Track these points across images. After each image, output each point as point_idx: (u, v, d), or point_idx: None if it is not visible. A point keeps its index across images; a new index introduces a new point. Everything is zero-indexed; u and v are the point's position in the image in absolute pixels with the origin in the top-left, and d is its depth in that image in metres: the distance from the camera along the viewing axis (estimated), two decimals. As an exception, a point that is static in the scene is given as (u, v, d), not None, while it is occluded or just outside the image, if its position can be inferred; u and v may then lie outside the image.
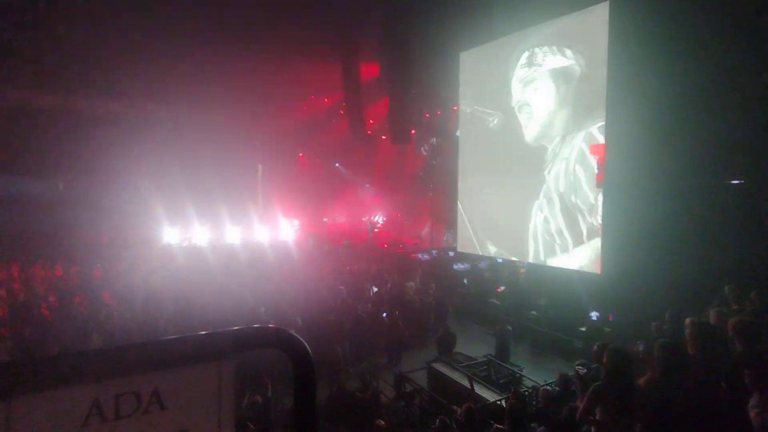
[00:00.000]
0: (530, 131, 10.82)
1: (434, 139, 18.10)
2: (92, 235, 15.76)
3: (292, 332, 0.96)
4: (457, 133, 14.46)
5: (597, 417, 2.92)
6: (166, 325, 8.29)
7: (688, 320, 3.62)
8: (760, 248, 7.49)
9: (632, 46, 8.51)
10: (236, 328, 0.90)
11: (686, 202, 8.17)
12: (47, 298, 9.20)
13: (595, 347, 4.40)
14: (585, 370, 4.82)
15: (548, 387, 5.96)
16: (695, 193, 8.18)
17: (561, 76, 9.94)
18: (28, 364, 0.70)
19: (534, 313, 10.52)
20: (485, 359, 8.06)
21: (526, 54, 10.79)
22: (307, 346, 0.93)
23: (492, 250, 12.17)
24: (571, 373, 5.79)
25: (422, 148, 19.80)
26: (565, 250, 9.90)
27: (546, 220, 10.30)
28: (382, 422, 5.20)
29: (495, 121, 11.78)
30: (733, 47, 7.60)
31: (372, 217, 21.75)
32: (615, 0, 8.85)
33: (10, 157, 15.83)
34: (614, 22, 8.83)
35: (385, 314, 10.11)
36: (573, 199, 9.72)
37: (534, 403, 6.05)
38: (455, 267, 14.14)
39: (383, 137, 19.67)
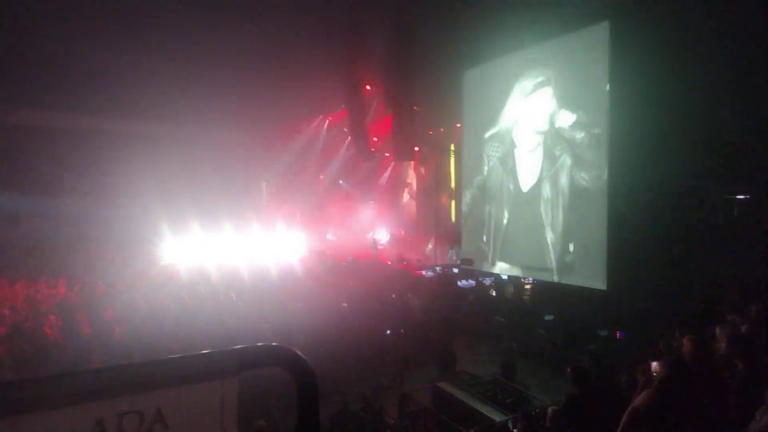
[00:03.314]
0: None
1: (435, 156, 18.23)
2: (96, 252, 15.79)
3: (296, 351, 0.95)
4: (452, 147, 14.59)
5: None
6: (168, 343, 8.23)
7: (685, 338, 3.62)
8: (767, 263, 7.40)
9: (633, 61, 8.61)
10: (239, 346, 0.89)
11: (693, 218, 8.13)
12: (49, 316, 9.18)
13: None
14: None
15: (556, 407, 5.83)
16: (701, 209, 8.14)
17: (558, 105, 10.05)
18: (32, 382, 0.70)
19: (540, 330, 10.38)
20: (491, 378, 7.92)
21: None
22: (311, 365, 0.93)
23: (497, 266, 12.13)
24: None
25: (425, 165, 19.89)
26: (570, 265, 9.84)
27: (550, 237, 10.27)
28: (386, 443, 5.09)
29: (495, 152, 11.91)
30: (738, 61, 7.65)
31: (375, 234, 21.72)
32: (615, 18, 9.01)
33: (16, 174, 16.03)
34: (615, 38, 8.96)
35: (388, 332, 10.02)
36: (576, 214, 9.71)
37: (542, 423, 5.92)
38: (460, 284, 14.04)
39: (387, 154, 19.83)
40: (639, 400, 3.27)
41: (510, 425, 5.74)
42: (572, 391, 4.16)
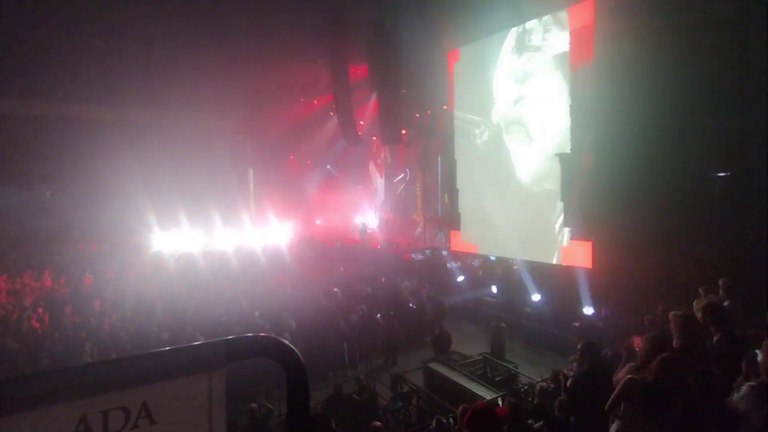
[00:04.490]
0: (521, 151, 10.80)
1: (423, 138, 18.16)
2: (81, 243, 15.56)
3: (284, 340, 0.95)
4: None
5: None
6: (158, 333, 8.21)
7: (671, 313, 3.72)
8: (747, 239, 7.59)
9: (616, 41, 8.60)
10: (227, 337, 0.89)
11: (674, 196, 8.26)
12: (36, 309, 9.06)
13: (579, 346, 4.41)
14: (572, 372, 4.87)
15: (543, 383, 5.98)
16: (683, 187, 8.26)
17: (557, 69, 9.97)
18: (13, 381, 0.68)
19: (527, 309, 10.57)
20: (481, 357, 8.09)
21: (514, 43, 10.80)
22: (299, 355, 0.92)
23: (485, 248, 12.23)
24: (565, 368, 5.84)
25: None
26: (556, 246, 9.97)
27: (537, 218, 10.37)
28: (379, 423, 5.18)
29: (484, 134, 11.81)
30: (719, 43, 7.69)
31: (364, 219, 21.73)
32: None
33: (-4, 165, 15.61)
34: (602, 17, 8.92)
35: (379, 315, 10.11)
36: (563, 198, 9.80)
37: (530, 399, 6.08)
38: (449, 266, 14.17)
39: (374, 138, 19.68)
40: (622, 373, 3.37)
41: (500, 402, 5.88)
42: (582, 366, 4.26)
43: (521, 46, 10.63)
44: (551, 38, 9.98)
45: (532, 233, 10.50)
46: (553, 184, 9.98)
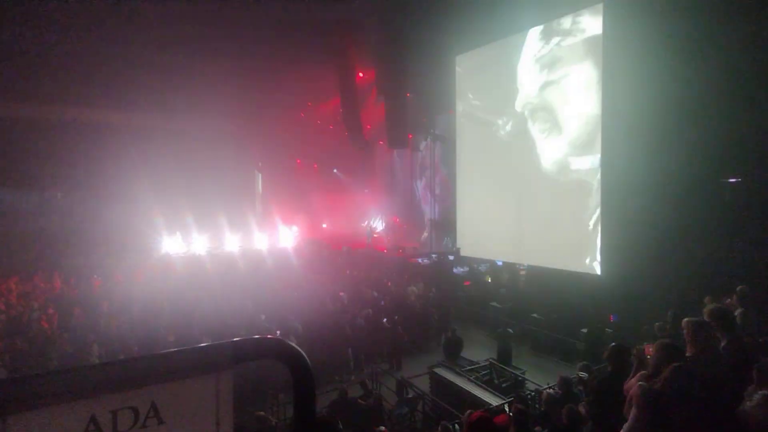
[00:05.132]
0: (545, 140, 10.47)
1: (430, 143, 18.16)
2: (91, 245, 15.72)
3: (291, 342, 0.95)
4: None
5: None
6: (165, 334, 8.25)
7: (685, 320, 3.61)
8: (759, 246, 7.48)
9: (629, 45, 8.55)
10: (234, 339, 0.89)
11: (685, 201, 8.18)
12: (46, 310, 9.16)
13: (608, 348, 4.35)
14: (586, 375, 4.80)
15: (550, 390, 5.93)
16: (693, 192, 8.18)
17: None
18: (24, 381, 0.69)
19: (535, 315, 10.49)
20: (487, 363, 8.03)
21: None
22: (306, 357, 0.93)
23: (492, 253, 12.16)
24: (572, 374, 5.79)
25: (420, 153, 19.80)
26: (564, 251, 9.90)
27: (546, 223, 10.30)
28: (384, 428, 5.15)
29: (507, 127, 11.40)
30: (730, 48, 7.63)
31: (371, 222, 21.74)
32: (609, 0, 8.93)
33: (8, 168, 15.84)
34: (610, 20, 8.88)
35: (385, 319, 10.08)
36: (572, 199, 9.74)
37: (537, 406, 6.03)
38: (455, 271, 14.11)
39: (380, 142, 19.71)
40: (633, 381, 3.32)
41: (506, 408, 5.84)
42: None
43: (549, 31, 10.12)
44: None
45: (541, 236, 10.43)
46: (564, 188, 9.87)
